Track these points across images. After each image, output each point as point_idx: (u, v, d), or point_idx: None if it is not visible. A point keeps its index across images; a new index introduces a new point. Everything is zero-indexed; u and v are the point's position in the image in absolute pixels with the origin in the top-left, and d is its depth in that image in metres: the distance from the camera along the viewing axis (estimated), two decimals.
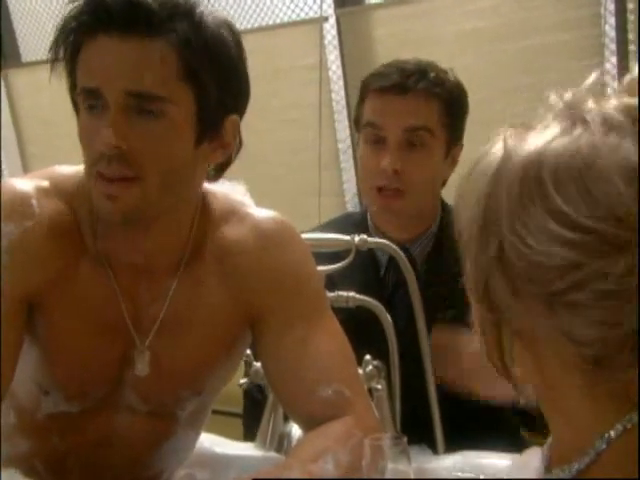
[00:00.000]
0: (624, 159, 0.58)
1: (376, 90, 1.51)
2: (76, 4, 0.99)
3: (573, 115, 0.62)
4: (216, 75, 1.00)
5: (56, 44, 1.00)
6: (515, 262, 0.61)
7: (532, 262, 0.60)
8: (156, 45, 0.97)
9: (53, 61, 1.01)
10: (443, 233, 1.55)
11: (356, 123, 1.58)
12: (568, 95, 0.64)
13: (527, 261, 0.60)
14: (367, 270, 1.54)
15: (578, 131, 0.61)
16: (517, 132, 0.65)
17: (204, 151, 1.04)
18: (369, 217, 1.60)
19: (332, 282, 1.38)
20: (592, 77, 0.65)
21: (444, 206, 1.58)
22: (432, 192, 1.55)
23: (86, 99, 1.00)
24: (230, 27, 1.02)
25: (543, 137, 0.62)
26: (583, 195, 0.58)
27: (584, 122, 0.61)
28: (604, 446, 0.63)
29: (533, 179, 0.60)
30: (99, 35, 0.97)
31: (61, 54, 1.01)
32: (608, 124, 0.60)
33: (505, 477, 0.86)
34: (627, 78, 0.63)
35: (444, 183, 1.59)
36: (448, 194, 1.50)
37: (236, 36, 1.03)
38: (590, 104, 0.62)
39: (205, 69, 0.99)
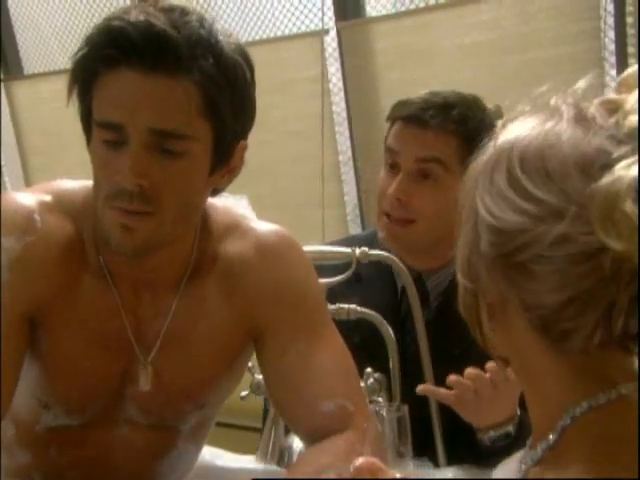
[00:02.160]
0: (582, 150, 0.64)
1: (398, 118, 1.50)
2: (96, 33, 0.96)
3: (552, 110, 0.69)
4: (234, 107, 1.00)
5: (74, 71, 0.99)
6: (482, 231, 0.68)
7: (493, 228, 0.67)
8: (181, 83, 0.95)
9: (70, 87, 1.00)
10: None
11: (385, 148, 1.58)
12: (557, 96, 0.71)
13: (489, 228, 0.67)
14: (384, 294, 1.53)
15: (552, 122, 0.67)
16: (506, 125, 0.72)
17: (214, 178, 1.05)
18: (379, 241, 1.60)
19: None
20: (582, 82, 0.70)
21: None
22: (445, 225, 1.47)
23: (105, 132, 0.98)
24: (243, 51, 1.01)
25: (523, 125, 0.69)
26: (540, 172, 0.65)
27: (560, 115, 0.67)
28: (568, 421, 0.67)
29: (504, 158, 0.68)
30: (121, 68, 0.95)
31: (77, 79, 0.99)
32: (578, 117, 0.66)
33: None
34: (620, 77, 0.68)
35: None
36: None
37: (249, 61, 1.02)
38: (570, 101, 0.68)
39: (225, 103, 0.98)
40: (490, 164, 0.69)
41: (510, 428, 1.28)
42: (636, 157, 0.61)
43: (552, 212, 0.64)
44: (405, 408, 0.89)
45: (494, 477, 0.84)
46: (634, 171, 0.60)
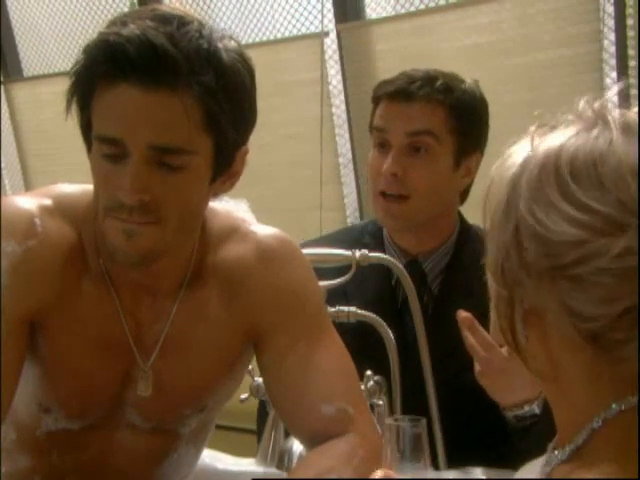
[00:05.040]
0: (634, 159, 0.64)
1: (383, 96, 1.51)
2: (93, 47, 0.95)
3: (595, 117, 0.68)
4: (234, 117, 0.99)
5: (73, 84, 0.98)
6: (529, 241, 0.67)
7: (544, 239, 0.66)
8: (181, 98, 0.94)
9: (69, 100, 0.99)
10: (461, 250, 1.54)
11: (370, 129, 1.59)
12: (594, 102, 0.70)
13: (539, 239, 0.66)
14: (379, 281, 1.53)
15: (598, 129, 0.67)
16: (543, 131, 0.71)
17: (216, 185, 1.05)
18: (385, 228, 1.60)
19: (344, 293, 1.39)
20: (613, 91, 0.71)
21: (463, 223, 1.57)
22: (440, 200, 1.52)
23: (105, 146, 0.98)
24: (243, 56, 1.00)
25: (566, 133, 0.68)
26: (595, 183, 0.64)
27: (605, 123, 0.67)
28: (600, 424, 0.67)
29: (552, 167, 0.67)
30: (120, 84, 0.94)
31: (76, 92, 0.98)
32: (626, 126, 0.66)
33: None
34: None
35: (463, 198, 1.58)
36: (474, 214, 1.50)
37: (249, 65, 1.01)
38: (612, 109, 0.68)
39: (225, 115, 0.97)
40: (534, 172, 0.68)
41: (535, 408, 1.27)
42: None
43: (611, 224, 0.63)
44: (423, 423, 0.88)
45: (517, 478, 0.85)
46: None
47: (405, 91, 1.48)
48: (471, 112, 1.51)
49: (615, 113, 0.68)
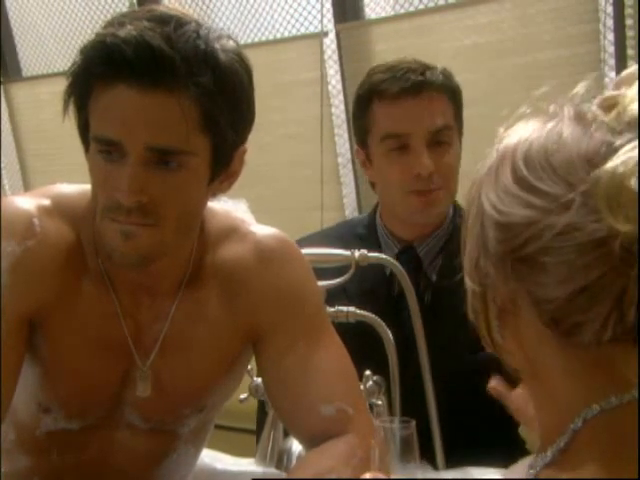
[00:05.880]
0: (585, 143, 0.65)
1: (391, 95, 1.49)
2: (90, 48, 0.95)
3: (553, 112, 0.70)
4: (232, 117, 0.99)
5: (70, 84, 0.98)
6: (489, 229, 0.68)
7: (499, 224, 0.67)
8: (178, 100, 0.94)
9: (67, 100, 0.99)
10: (455, 233, 1.54)
11: (361, 135, 1.56)
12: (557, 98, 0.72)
13: (496, 225, 0.68)
14: (375, 271, 1.53)
15: (553, 122, 0.69)
16: (510, 130, 0.73)
17: (214, 185, 1.05)
18: (378, 216, 1.60)
19: (344, 289, 1.39)
20: (581, 85, 0.71)
21: (456, 205, 1.58)
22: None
23: (102, 147, 0.98)
24: (240, 56, 1.00)
25: (525, 128, 0.71)
26: (545, 167, 0.66)
27: (560, 116, 0.69)
28: (580, 425, 0.66)
29: (508, 159, 0.69)
30: (117, 85, 0.94)
31: (74, 93, 0.99)
32: (578, 116, 0.68)
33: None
34: (617, 77, 0.70)
35: None
36: None
37: (247, 65, 1.01)
38: (570, 103, 0.70)
39: (223, 115, 0.97)
40: (494, 165, 0.70)
41: None
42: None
43: (558, 203, 0.64)
44: (413, 424, 0.88)
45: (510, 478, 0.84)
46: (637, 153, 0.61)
47: (420, 83, 1.47)
48: (461, 93, 1.54)
49: (572, 106, 0.69)
